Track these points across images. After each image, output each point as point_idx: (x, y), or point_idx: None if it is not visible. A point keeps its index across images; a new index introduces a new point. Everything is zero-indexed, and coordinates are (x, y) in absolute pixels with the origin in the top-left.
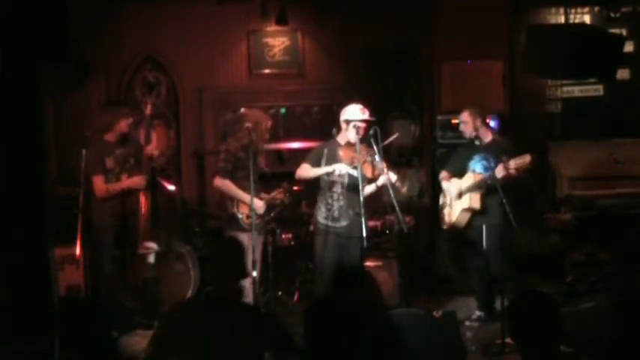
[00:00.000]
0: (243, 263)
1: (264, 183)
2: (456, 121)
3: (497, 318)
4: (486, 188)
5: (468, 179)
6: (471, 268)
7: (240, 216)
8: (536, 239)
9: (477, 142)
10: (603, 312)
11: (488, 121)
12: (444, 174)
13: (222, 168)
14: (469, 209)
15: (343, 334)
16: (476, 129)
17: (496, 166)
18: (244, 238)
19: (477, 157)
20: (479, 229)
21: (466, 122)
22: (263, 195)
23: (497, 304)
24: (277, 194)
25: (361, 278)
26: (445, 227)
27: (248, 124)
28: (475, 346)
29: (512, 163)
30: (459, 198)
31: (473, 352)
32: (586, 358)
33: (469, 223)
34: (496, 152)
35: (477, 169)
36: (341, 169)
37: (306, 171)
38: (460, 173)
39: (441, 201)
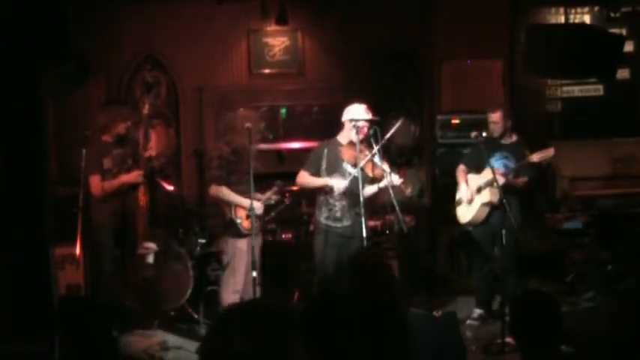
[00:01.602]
0: None
1: (258, 183)
2: (456, 121)
3: (496, 316)
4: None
5: (487, 174)
6: (474, 266)
7: (238, 221)
8: (536, 239)
9: (502, 141)
10: (603, 311)
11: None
12: (461, 171)
13: (216, 176)
14: (488, 203)
15: (341, 333)
16: (505, 129)
17: (517, 164)
18: (242, 243)
19: (497, 155)
20: (491, 230)
21: (497, 122)
22: (259, 195)
23: (496, 303)
24: (272, 194)
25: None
26: (464, 222)
27: (248, 125)
28: (475, 346)
29: (536, 157)
30: (477, 193)
31: (473, 351)
32: (586, 357)
33: (487, 217)
34: (519, 153)
35: (496, 165)
36: (339, 186)
37: (305, 179)
38: (478, 169)
39: (457, 197)
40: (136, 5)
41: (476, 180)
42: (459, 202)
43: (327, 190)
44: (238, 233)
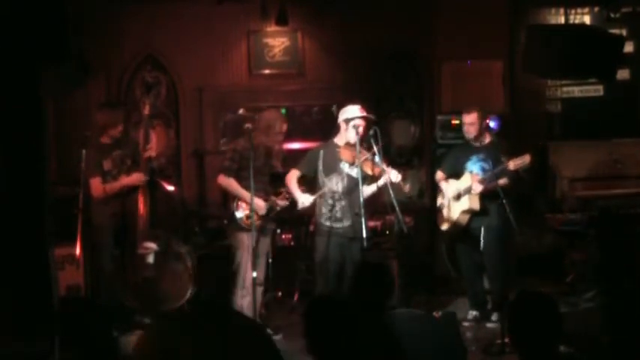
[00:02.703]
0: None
1: (277, 182)
2: (456, 121)
3: (490, 318)
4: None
5: (466, 180)
6: (465, 267)
7: (238, 215)
8: (535, 239)
9: (477, 144)
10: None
11: (487, 122)
12: (439, 175)
13: (227, 166)
14: (468, 210)
15: (343, 333)
16: (480, 131)
17: (494, 166)
18: (244, 237)
19: (474, 158)
20: (477, 230)
21: (473, 123)
22: (272, 198)
23: (490, 305)
24: (279, 200)
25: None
26: (444, 228)
27: (248, 125)
28: (475, 346)
29: (512, 164)
30: (457, 199)
31: (473, 351)
32: (586, 358)
33: (468, 223)
34: (494, 154)
35: (474, 170)
36: (305, 201)
37: (291, 180)
38: (456, 173)
39: (438, 202)
40: (136, 5)
41: (456, 185)
42: (440, 209)
43: (326, 192)
44: (238, 227)
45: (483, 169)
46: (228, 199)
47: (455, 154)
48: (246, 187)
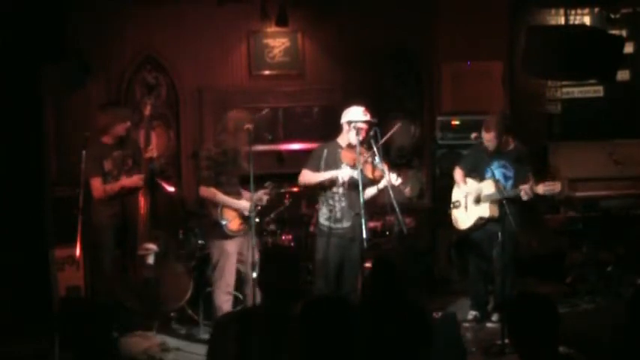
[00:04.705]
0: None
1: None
2: (456, 122)
3: (490, 318)
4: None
5: (489, 187)
6: (472, 268)
7: (224, 222)
8: (536, 240)
9: (500, 150)
10: (603, 312)
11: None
12: (459, 173)
13: (205, 177)
14: (488, 218)
15: (339, 333)
16: (500, 142)
17: (515, 174)
18: (229, 244)
19: (495, 164)
20: (489, 232)
21: (490, 141)
22: (247, 195)
23: (490, 306)
24: (262, 194)
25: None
26: (460, 228)
27: (248, 126)
28: (475, 347)
29: (541, 189)
30: (476, 203)
31: (473, 352)
32: (586, 358)
33: (481, 227)
34: (516, 161)
35: (496, 175)
36: (344, 175)
37: (308, 177)
38: (475, 173)
39: (454, 198)
40: (137, 6)
41: (476, 188)
42: (456, 205)
43: (329, 185)
44: (224, 235)
45: (505, 176)
46: (209, 207)
47: (476, 155)
48: (226, 194)
